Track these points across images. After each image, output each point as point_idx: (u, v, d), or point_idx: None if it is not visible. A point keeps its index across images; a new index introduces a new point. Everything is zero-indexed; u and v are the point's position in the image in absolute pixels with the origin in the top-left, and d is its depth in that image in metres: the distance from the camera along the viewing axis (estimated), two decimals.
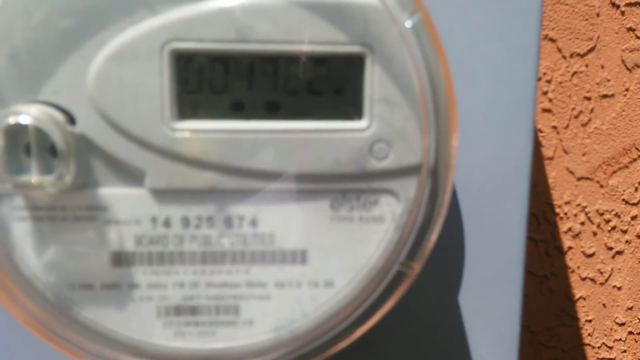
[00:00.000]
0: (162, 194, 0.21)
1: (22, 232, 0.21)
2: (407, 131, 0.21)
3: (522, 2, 0.28)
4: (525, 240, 0.31)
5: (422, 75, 0.21)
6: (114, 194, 0.21)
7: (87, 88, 0.20)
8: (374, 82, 0.21)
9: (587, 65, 0.56)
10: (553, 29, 0.55)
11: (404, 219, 0.22)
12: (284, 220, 0.22)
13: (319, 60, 0.21)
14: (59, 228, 0.21)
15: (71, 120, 0.20)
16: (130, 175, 0.21)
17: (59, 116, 0.20)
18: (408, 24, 0.21)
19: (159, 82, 0.20)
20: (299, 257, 0.22)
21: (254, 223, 0.22)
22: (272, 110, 0.21)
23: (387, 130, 0.21)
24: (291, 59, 0.21)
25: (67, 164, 0.20)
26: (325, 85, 0.21)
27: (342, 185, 0.22)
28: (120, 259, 0.21)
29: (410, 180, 0.22)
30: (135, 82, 0.20)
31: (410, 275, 0.22)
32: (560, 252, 0.59)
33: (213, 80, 0.21)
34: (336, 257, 0.22)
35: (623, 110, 0.57)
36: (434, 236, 0.22)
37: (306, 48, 0.21)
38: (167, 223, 0.21)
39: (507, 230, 0.30)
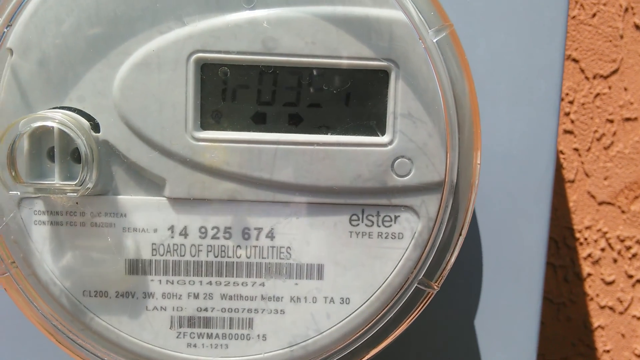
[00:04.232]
0: (181, 203, 0.21)
1: (41, 236, 0.21)
2: (430, 148, 0.21)
3: (546, 22, 0.28)
4: (544, 266, 0.30)
5: (446, 91, 0.21)
6: (133, 202, 0.21)
7: (112, 96, 0.20)
8: (398, 97, 0.21)
9: (610, 87, 0.56)
10: (576, 49, 0.55)
11: (424, 237, 0.22)
12: (301, 234, 0.21)
13: (343, 74, 0.21)
14: (77, 234, 0.21)
15: (96, 127, 0.20)
16: (151, 183, 0.21)
17: (84, 122, 0.20)
18: (434, 39, 0.20)
19: (183, 92, 0.20)
20: (316, 272, 0.22)
21: (271, 235, 0.21)
22: (294, 123, 0.21)
23: (410, 146, 0.21)
24: (315, 72, 0.21)
25: (90, 170, 0.20)
26: (349, 99, 0.21)
27: (362, 201, 0.21)
28: (137, 267, 0.21)
29: (432, 198, 0.21)
30: (160, 91, 0.20)
31: (429, 295, 0.22)
32: (579, 279, 0.58)
33: (237, 91, 0.21)
34: (353, 274, 0.22)
35: None
36: (454, 255, 0.22)
37: (331, 62, 0.21)
38: (184, 232, 0.21)
39: (526, 255, 0.29)
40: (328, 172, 0.21)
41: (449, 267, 0.22)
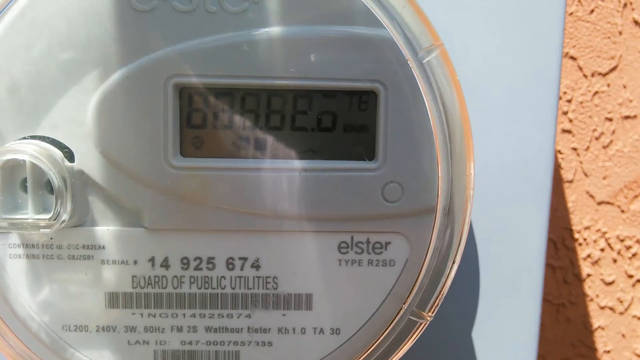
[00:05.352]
0: (162, 234, 0.20)
1: (16, 270, 0.20)
2: (421, 172, 0.20)
3: (543, 26, 0.27)
4: (543, 269, 0.30)
5: (437, 113, 0.20)
6: (112, 233, 0.20)
7: (86, 123, 0.19)
8: (387, 120, 0.20)
9: (608, 85, 0.54)
10: (574, 46, 0.54)
11: (416, 264, 0.21)
12: (288, 263, 0.21)
13: (330, 97, 0.20)
14: (55, 267, 0.20)
15: (70, 156, 0.19)
16: (129, 213, 0.20)
17: (57, 152, 0.19)
18: (424, 60, 0.19)
19: (161, 118, 0.19)
20: (304, 302, 0.21)
21: (257, 265, 0.21)
22: (279, 148, 0.20)
23: (400, 171, 0.20)
24: (300, 94, 0.20)
25: (63, 203, 0.19)
26: (336, 122, 0.20)
27: (351, 228, 0.20)
28: (117, 301, 0.20)
29: (424, 223, 0.20)
30: (137, 118, 0.19)
31: (422, 325, 0.21)
32: (579, 280, 0.57)
33: (217, 116, 0.20)
34: (343, 303, 0.21)
35: None
36: (447, 283, 0.21)
37: (316, 84, 0.20)
38: (165, 264, 0.20)
39: (525, 259, 0.29)
40: (315, 198, 0.20)
41: (442, 295, 0.21)
